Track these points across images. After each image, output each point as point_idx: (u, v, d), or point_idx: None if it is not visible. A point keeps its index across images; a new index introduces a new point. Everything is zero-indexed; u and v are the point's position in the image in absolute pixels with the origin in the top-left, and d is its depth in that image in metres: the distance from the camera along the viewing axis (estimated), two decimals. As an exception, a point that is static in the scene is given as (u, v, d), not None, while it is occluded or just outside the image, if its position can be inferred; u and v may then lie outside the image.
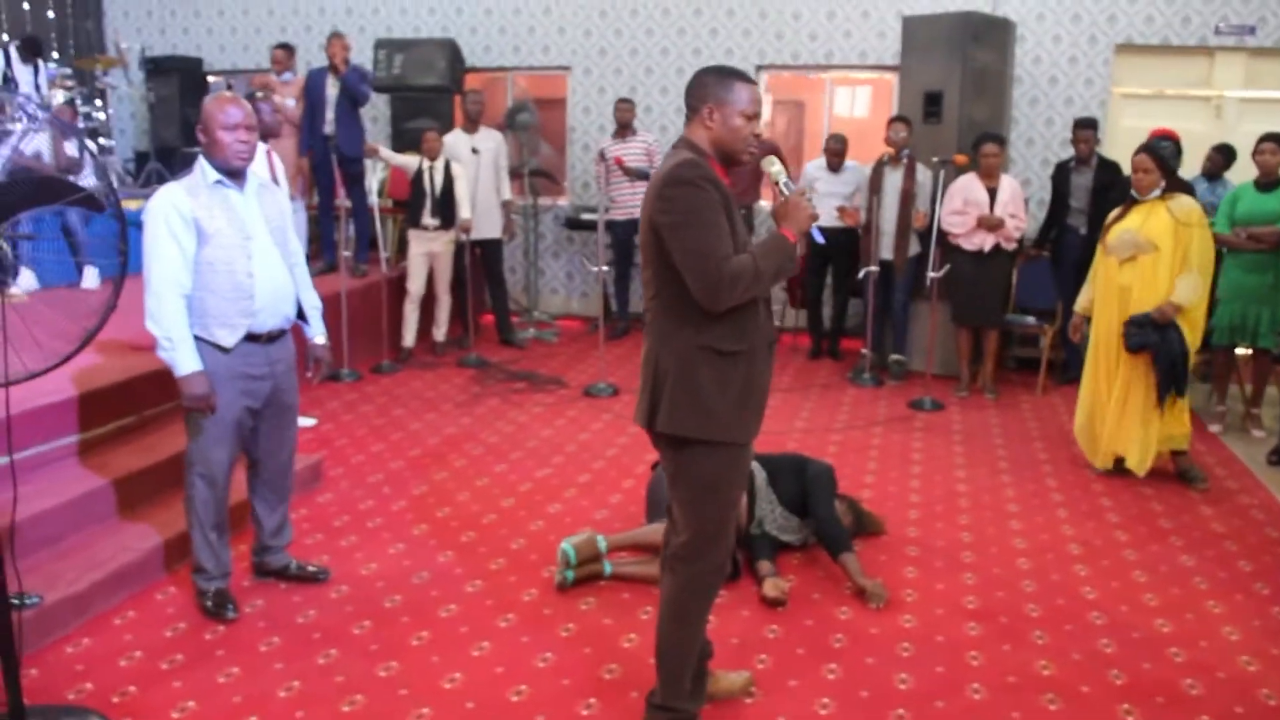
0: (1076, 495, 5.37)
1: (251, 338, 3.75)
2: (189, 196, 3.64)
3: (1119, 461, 5.58)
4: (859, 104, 11.11)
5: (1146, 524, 5.01)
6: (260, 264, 3.73)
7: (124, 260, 2.95)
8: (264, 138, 5.58)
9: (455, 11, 9.83)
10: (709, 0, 9.26)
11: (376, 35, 9.71)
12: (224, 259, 3.65)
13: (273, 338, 3.84)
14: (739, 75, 2.88)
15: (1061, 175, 7.61)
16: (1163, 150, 5.49)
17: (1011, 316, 7.56)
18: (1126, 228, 5.39)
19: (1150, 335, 5.30)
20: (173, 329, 3.58)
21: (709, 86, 2.87)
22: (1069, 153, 7.72)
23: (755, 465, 4.58)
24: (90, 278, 6.82)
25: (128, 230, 2.99)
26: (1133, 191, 5.42)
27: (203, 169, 3.71)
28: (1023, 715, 3.34)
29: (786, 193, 2.92)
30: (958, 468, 5.77)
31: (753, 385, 2.91)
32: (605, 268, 7.71)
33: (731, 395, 2.86)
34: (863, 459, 5.88)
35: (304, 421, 6.19)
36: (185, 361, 3.59)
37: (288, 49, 8.25)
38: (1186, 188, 5.77)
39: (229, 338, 3.69)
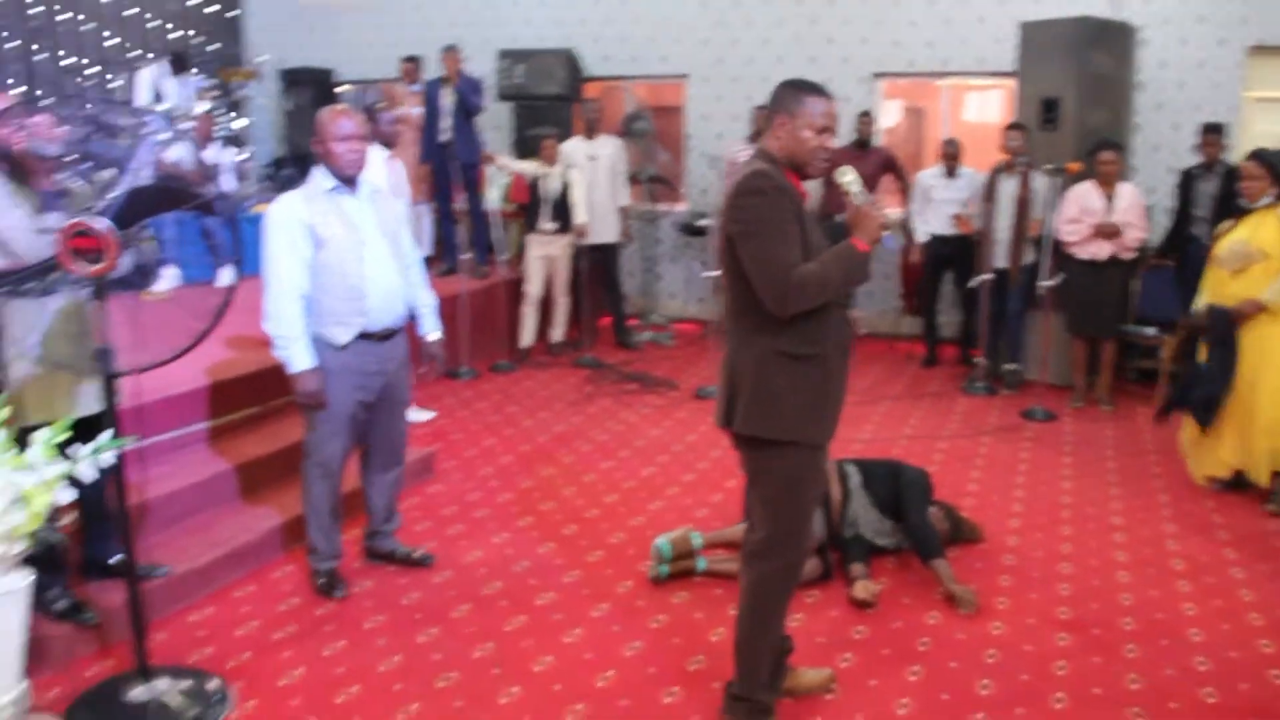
0: (1187, 510, 5.25)
1: (365, 336, 3.98)
2: (306, 204, 3.88)
3: (1238, 476, 5.44)
4: (989, 109, 10.97)
5: (1258, 543, 4.88)
6: (373, 266, 3.96)
7: (238, 264, 3.17)
8: (385, 145, 5.86)
9: (577, 22, 10.07)
10: (825, 8, 9.28)
11: (500, 46, 9.99)
12: (338, 262, 3.88)
13: (385, 336, 4.07)
14: (812, 89, 2.98)
15: (1187, 183, 7.43)
16: (1272, 156, 5.29)
17: (1130, 327, 7.40)
18: (1236, 238, 5.26)
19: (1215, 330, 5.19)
20: (289, 329, 3.83)
21: (782, 99, 2.99)
22: (1196, 159, 7.54)
23: (851, 469, 4.65)
24: (225, 277, 7.21)
25: (240, 234, 3.21)
26: (1242, 200, 5.29)
27: (319, 177, 3.96)
28: (1104, 726, 3.34)
29: (858, 203, 2.99)
30: (1064, 479, 5.70)
31: (827, 388, 2.99)
32: (717, 272, 7.81)
33: (805, 397, 2.95)
34: (967, 467, 5.86)
35: (421, 416, 6.48)
36: (299, 360, 3.84)
37: (414, 61, 8.60)
38: None
39: (343, 336, 3.93)
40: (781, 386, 2.95)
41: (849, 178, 3.05)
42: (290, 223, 3.86)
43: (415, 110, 8.28)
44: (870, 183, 8.41)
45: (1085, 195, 6.97)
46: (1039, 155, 7.27)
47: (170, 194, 3.33)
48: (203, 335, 3.14)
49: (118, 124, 3.45)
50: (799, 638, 3.80)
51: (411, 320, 4.30)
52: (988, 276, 7.34)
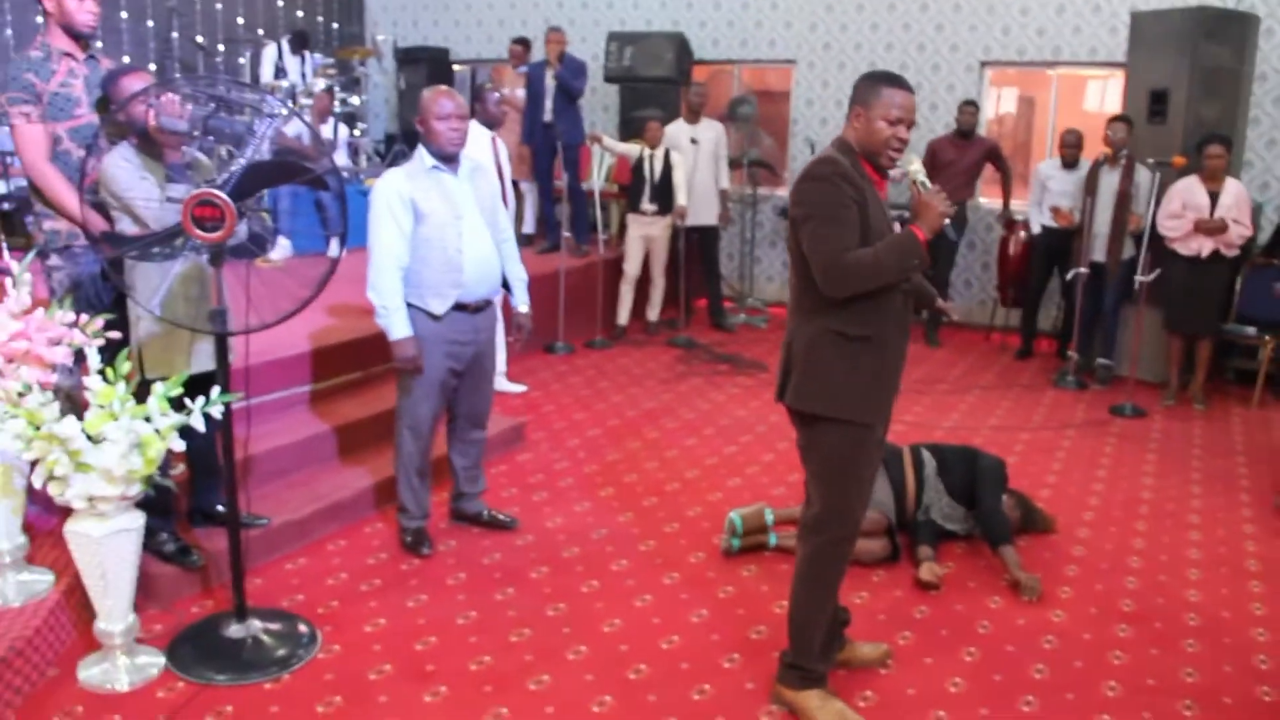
0: (1269, 513, 5.20)
1: (460, 307, 4.21)
2: (408, 180, 4.12)
3: None
4: (1108, 100, 10.75)
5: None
6: (470, 241, 4.18)
7: (342, 238, 3.41)
8: (490, 126, 6.09)
9: (685, 6, 10.18)
10: (935, -4, 9.24)
11: (610, 28, 10.17)
12: (437, 236, 4.11)
13: (479, 308, 4.29)
14: (888, 80, 3.06)
15: (1297, 180, 7.26)
16: None
17: (1230, 326, 7.27)
18: None
19: None
20: (389, 298, 4.08)
21: (859, 90, 3.09)
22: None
23: (926, 454, 4.73)
24: (335, 247, 7.50)
25: (347, 209, 3.44)
26: None
27: (421, 155, 4.19)
28: (1153, 716, 3.39)
29: (923, 192, 3.08)
30: (1146, 475, 5.68)
31: (881, 369, 3.10)
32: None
33: (856, 377, 3.06)
34: (1048, 459, 5.87)
35: (515, 388, 6.73)
36: (398, 327, 4.08)
37: (524, 43, 8.84)
38: None
39: (440, 306, 4.16)
40: (833, 365, 3.07)
41: (915, 166, 3.13)
42: (392, 197, 4.09)
43: (519, 92, 8.52)
44: (972, 172, 8.40)
45: (1189, 190, 6.86)
46: (1146, 148, 7.17)
47: (285, 168, 3.57)
48: (305, 303, 3.38)
49: (239, 101, 3.72)
50: (861, 614, 3.95)
51: (506, 292, 4.52)
52: (1083, 270, 7.27)
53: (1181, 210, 6.86)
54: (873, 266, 2.96)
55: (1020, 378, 7.71)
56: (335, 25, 11.40)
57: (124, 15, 9.39)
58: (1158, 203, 6.93)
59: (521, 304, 4.58)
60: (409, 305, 4.14)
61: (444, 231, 4.12)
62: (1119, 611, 4.12)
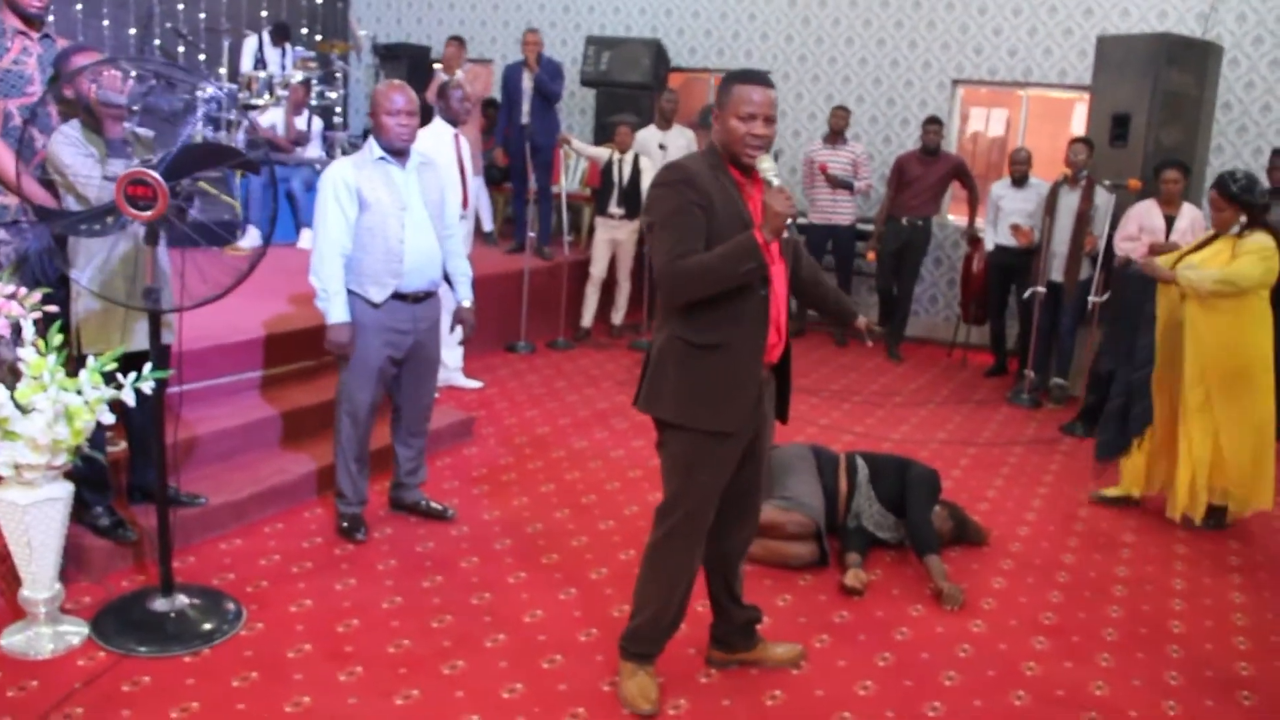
0: (1201, 535, 5.27)
1: (399, 296, 4.26)
2: (355, 170, 4.18)
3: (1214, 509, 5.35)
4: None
5: (1270, 571, 4.90)
6: (412, 233, 4.24)
7: (273, 219, 3.45)
8: (453, 122, 6.14)
9: (664, 13, 10.27)
10: (911, 13, 9.33)
11: (590, 32, 10.25)
12: (380, 226, 4.17)
13: (419, 299, 4.34)
14: (742, 78, 3.04)
15: (1256, 209, 7.34)
16: (1232, 185, 5.04)
17: (1184, 350, 7.36)
18: (1190, 261, 5.17)
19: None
20: (329, 282, 4.14)
21: (719, 91, 3.10)
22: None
23: (860, 462, 4.79)
24: (253, 235, 7.44)
25: (278, 194, 3.49)
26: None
27: (370, 146, 4.25)
28: (1057, 725, 3.46)
29: (765, 191, 3.04)
30: (1086, 493, 5.75)
31: (731, 378, 3.09)
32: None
33: (698, 385, 3.07)
34: (991, 474, 5.94)
35: (470, 383, 6.78)
36: (336, 312, 4.14)
37: (459, 41, 8.75)
38: (1273, 228, 5.17)
39: (379, 294, 4.22)
40: (678, 372, 3.09)
41: (765, 164, 3.04)
42: (339, 185, 4.16)
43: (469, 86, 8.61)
44: (937, 188, 8.49)
45: (1146, 213, 6.95)
46: (1109, 171, 7.27)
47: (219, 151, 3.61)
48: (227, 290, 3.42)
49: (178, 79, 3.77)
50: (783, 616, 4.02)
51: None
52: (1040, 289, 7.36)
53: (1138, 233, 6.94)
54: (706, 271, 2.95)
55: (975, 394, 7.79)
56: (319, 20, 11.45)
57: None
58: (1114, 225, 7.03)
59: (464, 299, 4.63)
60: (350, 292, 4.20)
61: (386, 221, 4.18)
62: (1038, 624, 4.18)
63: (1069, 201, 7.29)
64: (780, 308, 3.16)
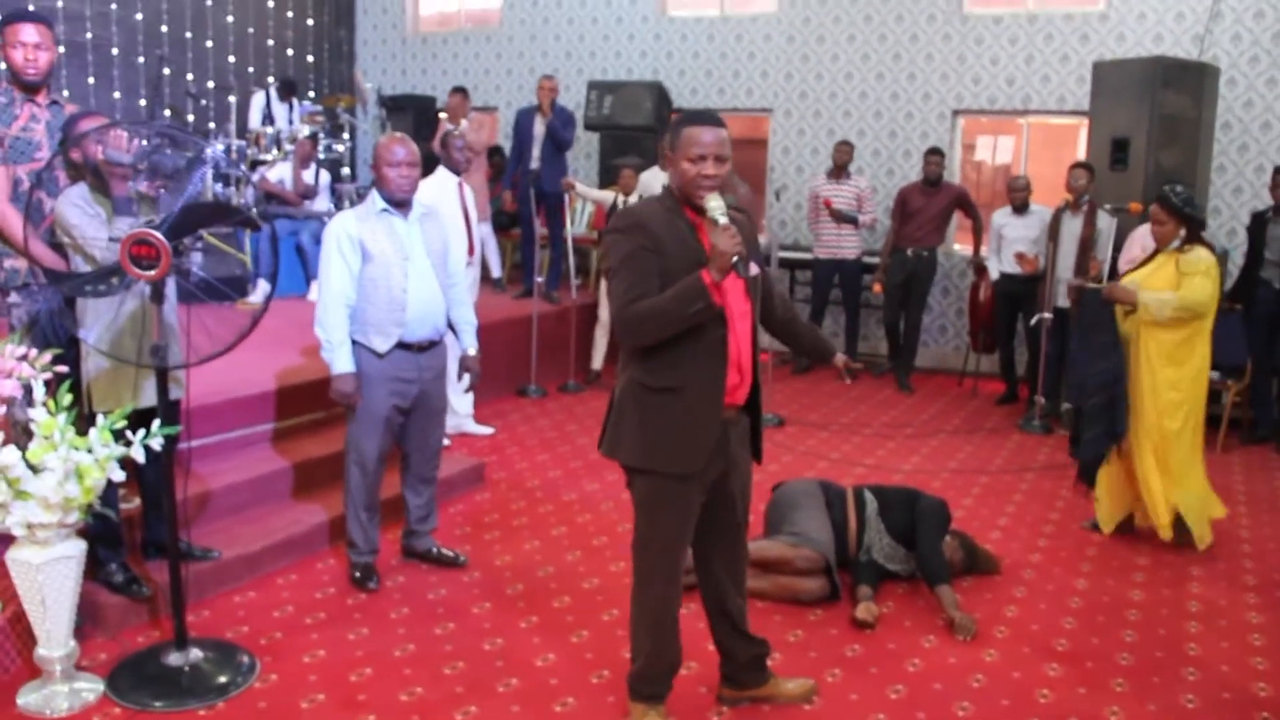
0: (1218, 555, 5.25)
1: (404, 346, 4.32)
2: (358, 222, 4.26)
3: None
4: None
5: (1283, 589, 4.89)
6: (415, 283, 4.30)
7: (274, 275, 3.51)
8: (456, 171, 6.23)
9: (665, 55, 10.40)
10: (908, 46, 9.42)
11: (592, 77, 10.38)
12: (383, 276, 4.24)
13: (423, 348, 4.40)
14: (691, 119, 3.08)
15: (1257, 226, 7.37)
16: (1174, 198, 5.09)
17: (1195, 371, 7.35)
18: (1133, 278, 5.19)
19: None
20: (334, 333, 4.21)
21: (670, 134, 3.12)
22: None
23: (869, 496, 4.80)
24: (262, 289, 7.51)
25: (281, 249, 3.55)
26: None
27: (373, 198, 4.33)
28: (1073, 751, 3.45)
29: (710, 231, 3.01)
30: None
31: (682, 420, 3.09)
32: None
33: (657, 428, 3.11)
34: (1003, 502, 5.93)
35: (481, 430, 6.83)
36: (341, 363, 4.20)
37: (463, 92, 8.93)
38: (1209, 243, 5.26)
39: (383, 344, 4.27)
40: (635, 416, 3.13)
41: (713, 204, 3.01)
42: (342, 237, 4.23)
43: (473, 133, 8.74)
44: (940, 218, 8.53)
45: (1148, 235, 6.93)
46: (1110, 195, 7.30)
47: (220, 209, 3.69)
48: (232, 345, 3.48)
49: (184, 140, 3.86)
50: (793, 651, 4.02)
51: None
52: (1047, 315, 7.37)
53: (1141, 255, 6.94)
54: (658, 313, 2.98)
55: (987, 422, 7.78)
56: (324, 74, 11.64)
57: (114, 51, 9.60)
58: (1118, 248, 7.05)
59: (469, 348, 4.68)
60: (354, 342, 4.26)
61: (389, 272, 4.24)
62: (1053, 651, 4.17)
63: (1072, 227, 7.32)
64: (741, 347, 3.15)
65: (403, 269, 4.28)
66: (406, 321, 4.28)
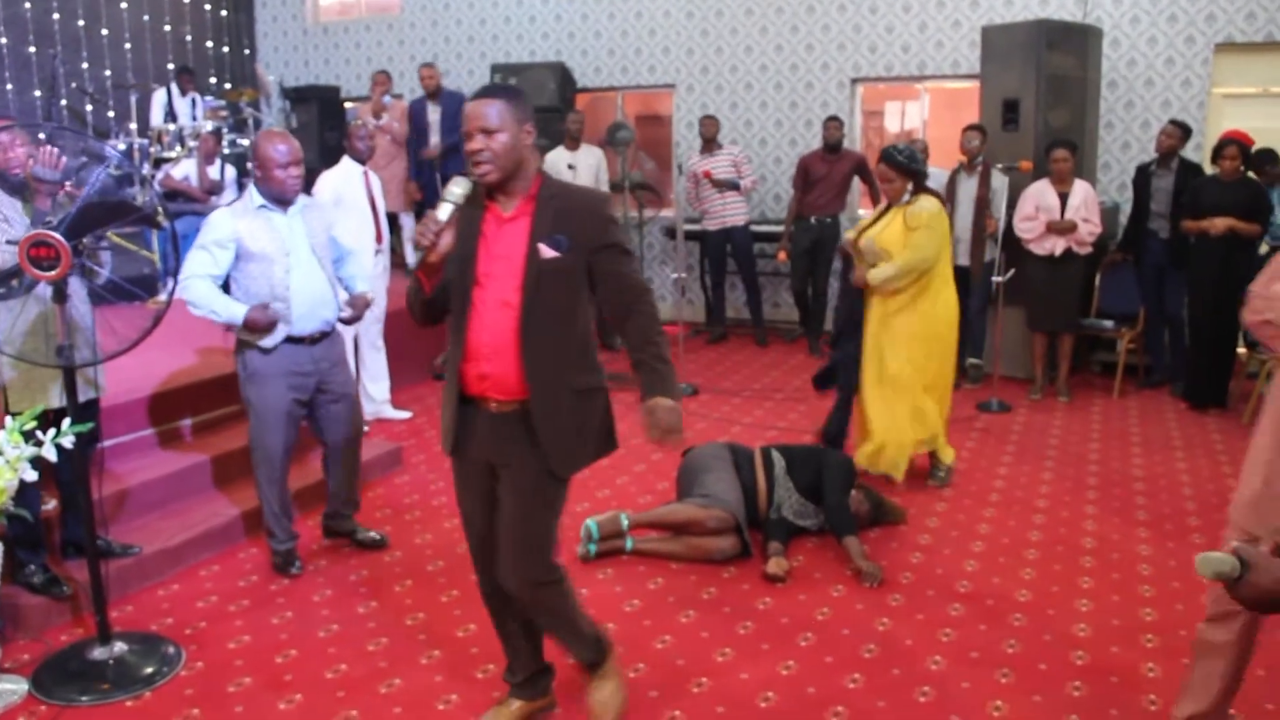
0: (1113, 494, 5.52)
1: (293, 340, 4.34)
2: (235, 219, 4.27)
3: None
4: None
5: (1175, 522, 5.14)
6: (298, 277, 4.31)
7: (174, 272, 3.56)
8: (360, 161, 6.27)
9: (567, 36, 10.45)
10: (805, 18, 9.59)
11: (495, 60, 10.41)
12: (264, 272, 4.26)
13: (315, 340, 4.42)
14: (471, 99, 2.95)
15: (1142, 179, 7.67)
16: (899, 155, 5.31)
17: (1088, 321, 7.65)
18: (868, 236, 5.41)
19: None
20: (209, 301, 4.19)
21: None
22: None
23: (776, 454, 4.97)
24: (168, 287, 7.50)
25: (179, 245, 3.60)
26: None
27: (251, 194, 4.36)
28: (972, 686, 3.63)
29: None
30: (1002, 465, 5.98)
31: (444, 402, 3.11)
32: (683, 274, 8.21)
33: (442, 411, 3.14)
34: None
35: (399, 414, 6.88)
36: (234, 311, 4.19)
37: (384, 74, 9.06)
38: (935, 193, 5.49)
39: (270, 340, 4.28)
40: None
41: (454, 190, 2.85)
42: (218, 231, 4.25)
43: (394, 124, 8.78)
44: (842, 185, 8.73)
45: (1041, 193, 7.24)
46: (1004, 155, 7.54)
47: (119, 207, 3.71)
48: (136, 342, 3.52)
49: (105, 154, 3.87)
50: (707, 608, 4.19)
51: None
52: (947, 274, 7.60)
53: (1035, 212, 7.23)
54: (411, 296, 3.07)
55: (897, 380, 8.00)
56: (225, 68, 11.51)
57: (1, 40, 9.40)
58: (1011, 206, 7.30)
59: (357, 291, 4.69)
60: (241, 342, 4.30)
61: (270, 268, 4.27)
62: (955, 593, 4.37)
63: (968, 187, 7.55)
64: (486, 338, 2.93)
65: (284, 264, 4.29)
66: (292, 317, 4.30)
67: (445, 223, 2.84)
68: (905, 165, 5.28)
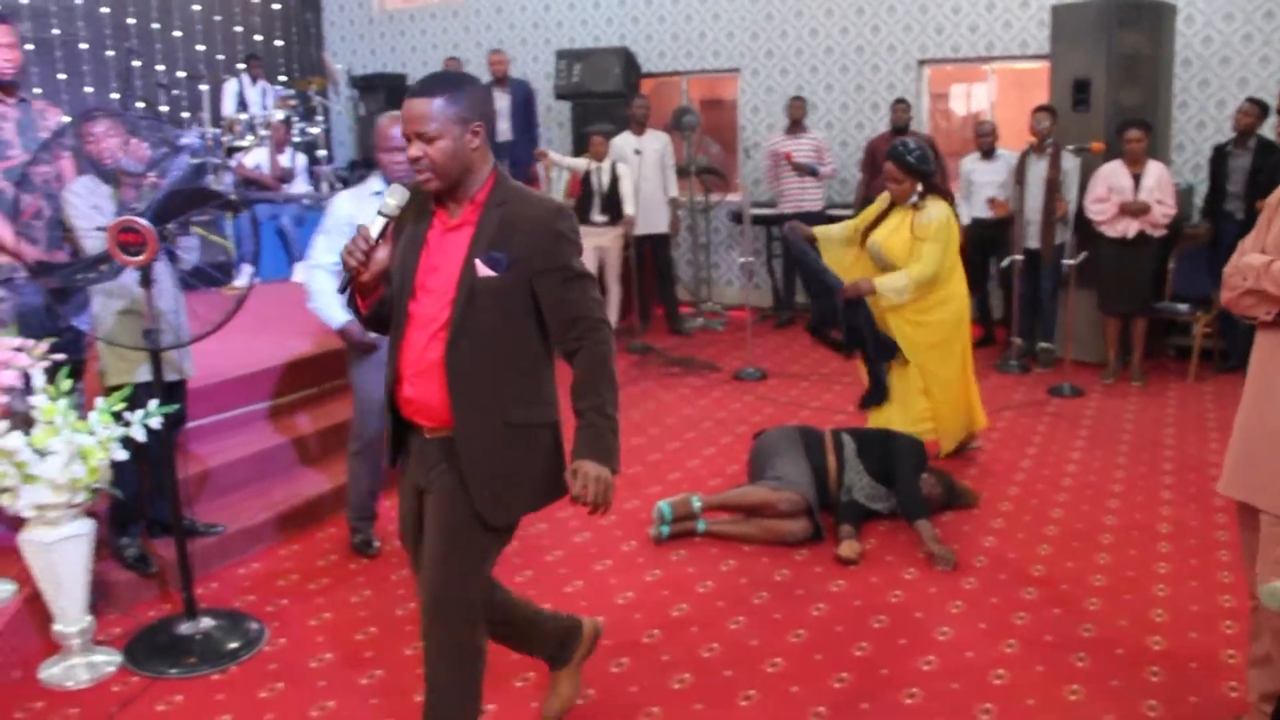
0: (1190, 479, 5.43)
1: None
2: (351, 203, 4.34)
3: None
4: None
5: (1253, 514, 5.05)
6: None
7: (255, 256, 3.64)
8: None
9: (631, 21, 10.46)
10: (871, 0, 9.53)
11: (559, 46, 10.45)
12: None
13: None
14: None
15: (1219, 159, 7.52)
16: (908, 155, 5.13)
17: (1163, 304, 7.52)
18: (875, 239, 5.26)
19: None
20: (320, 298, 4.30)
21: None
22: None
23: (846, 438, 4.96)
24: (245, 274, 7.66)
25: (259, 231, 3.68)
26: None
27: (372, 179, 4.39)
28: (1047, 670, 3.61)
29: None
30: (1075, 450, 5.91)
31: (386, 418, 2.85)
32: (750, 259, 8.19)
33: None
34: (981, 440, 6.10)
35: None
36: (338, 317, 4.28)
37: (455, 60, 9.16)
38: (945, 193, 5.37)
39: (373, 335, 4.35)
40: None
41: (390, 200, 2.60)
42: (336, 215, 4.33)
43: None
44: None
45: (1113, 174, 7.12)
46: (1073, 136, 7.43)
47: (202, 193, 3.79)
48: (222, 323, 3.61)
49: (184, 144, 3.97)
50: (780, 590, 4.20)
51: None
52: (1018, 257, 7.52)
53: (1107, 194, 7.12)
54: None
55: (965, 365, 7.94)
56: (295, 59, 11.69)
57: (83, 46, 9.64)
58: (1083, 188, 7.20)
59: None
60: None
61: None
62: (1029, 577, 4.35)
63: (1038, 169, 7.45)
64: (409, 356, 2.66)
65: None
66: None
67: (377, 239, 2.58)
68: (914, 166, 5.11)
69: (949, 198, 5.24)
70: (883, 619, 3.98)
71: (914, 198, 5.19)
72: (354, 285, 2.65)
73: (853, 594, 4.20)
